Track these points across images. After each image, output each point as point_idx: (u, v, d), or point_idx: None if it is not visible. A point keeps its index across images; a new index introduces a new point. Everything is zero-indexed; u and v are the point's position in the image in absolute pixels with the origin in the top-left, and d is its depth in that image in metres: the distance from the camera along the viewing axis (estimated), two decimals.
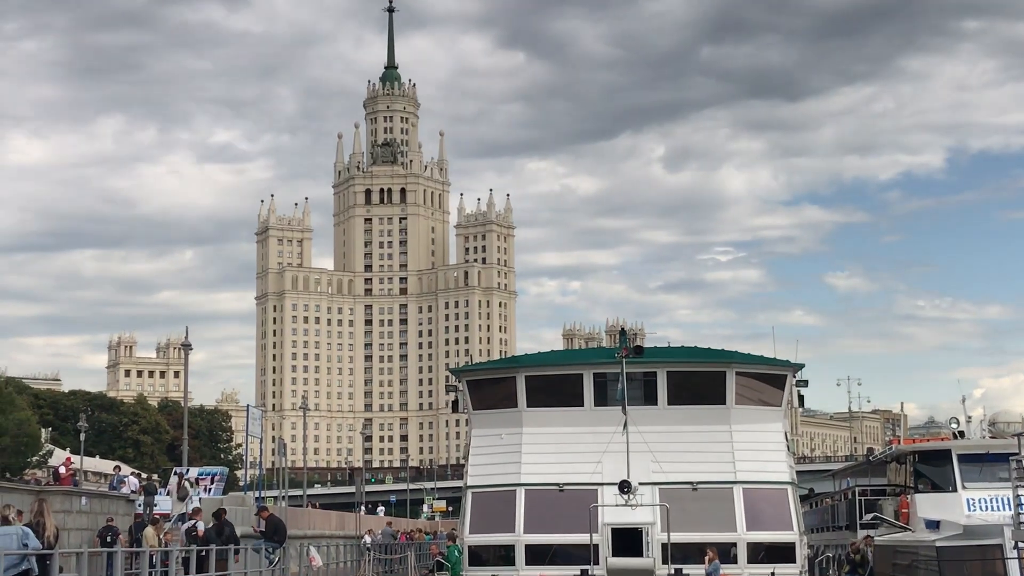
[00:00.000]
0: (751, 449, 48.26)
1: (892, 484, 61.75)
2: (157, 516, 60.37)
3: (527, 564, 46.46)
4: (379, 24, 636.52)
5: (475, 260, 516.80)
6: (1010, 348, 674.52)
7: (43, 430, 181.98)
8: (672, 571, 44.51)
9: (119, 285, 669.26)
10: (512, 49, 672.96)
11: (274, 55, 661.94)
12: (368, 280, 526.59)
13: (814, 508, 73.62)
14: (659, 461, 47.00)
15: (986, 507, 51.76)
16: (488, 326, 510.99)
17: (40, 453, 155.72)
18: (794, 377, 51.63)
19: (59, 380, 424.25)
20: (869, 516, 60.77)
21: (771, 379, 50.78)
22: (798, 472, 52.03)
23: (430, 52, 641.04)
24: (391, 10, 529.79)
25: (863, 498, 63.08)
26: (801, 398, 52.80)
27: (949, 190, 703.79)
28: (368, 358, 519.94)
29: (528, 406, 49.85)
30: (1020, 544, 46.59)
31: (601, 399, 49.24)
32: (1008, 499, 51.89)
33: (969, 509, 51.90)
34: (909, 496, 56.25)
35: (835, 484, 77.46)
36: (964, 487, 53.21)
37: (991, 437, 59.19)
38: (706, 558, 45.83)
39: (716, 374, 49.52)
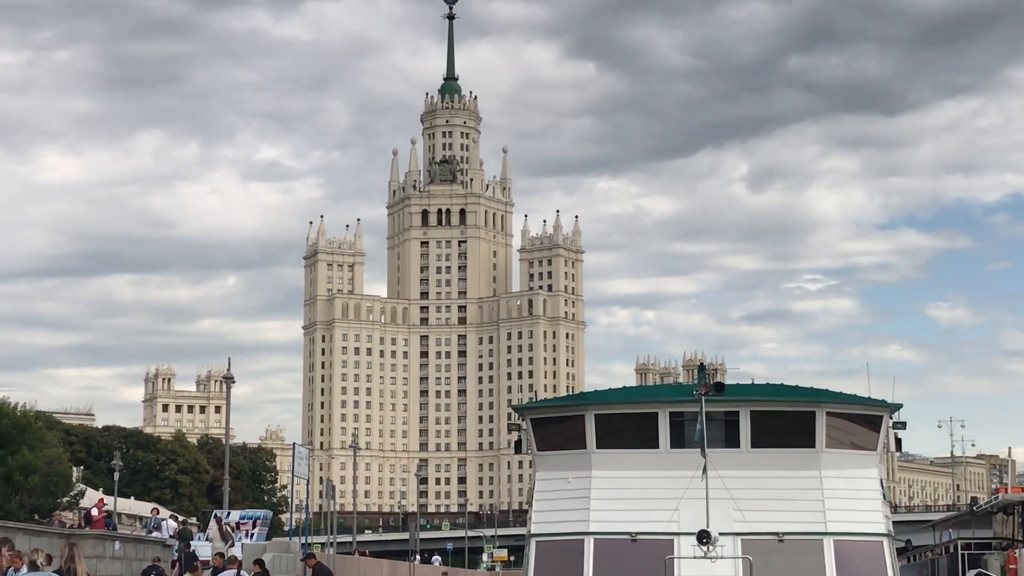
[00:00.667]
0: (843, 497, 47.90)
1: (999, 537, 61.00)
2: (197, 564, 60.64)
3: None
4: (438, 33, 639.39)
5: (540, 287, 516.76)
6: None
7: (75, 468, 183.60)
8: None
9: (157, 313, 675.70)
10: (581, 59, 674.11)
11: (325, 66, 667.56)
12: (424, 308, 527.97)
13: (912, 562, 72.80)
14: (741, 509, 46.75)
15: None
16: (554, 359, 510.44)
17: (71, 493, 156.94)
18: (891, 418, 51.21)
19: (92, 415, 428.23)
20: (973, 573, 60.05)
21: (865, 420, 50.42)
22: (895, 522, 51.50)
23: (492, 62, 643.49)
24: (451, 17, 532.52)
25: (966, 552, 62.35)
26: (898, 441, 52.32)
27: None
28: (424, 393, 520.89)
29: (598, 447, 49.79)
30: None
31: (678, 440, 49.07)
32: None
33: None
34: (1018, 551, 55.54)
35: (935, 536, 76.63)
36: None
37: None
38: None
39: (805, 415, 49.24)
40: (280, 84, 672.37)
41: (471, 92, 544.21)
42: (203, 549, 71.88)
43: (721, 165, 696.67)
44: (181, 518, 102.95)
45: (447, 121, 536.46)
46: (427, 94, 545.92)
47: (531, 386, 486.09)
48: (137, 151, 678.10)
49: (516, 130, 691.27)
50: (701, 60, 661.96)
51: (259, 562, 52.88)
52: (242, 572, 50.12)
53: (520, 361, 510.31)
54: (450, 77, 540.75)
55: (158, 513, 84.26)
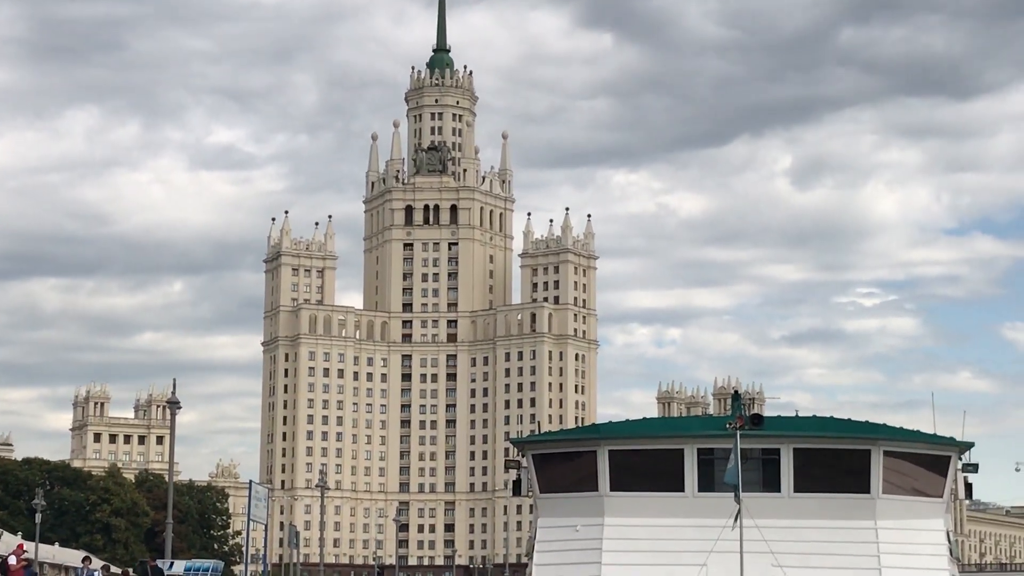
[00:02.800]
0: (903, 552, 48.09)
1: None
2: None
3: None
4: None
5: (545, 299, 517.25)
6: None
7: None
8: None
9: (89, 324, 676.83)
10: (596, 29, 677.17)
11: (291, 34, 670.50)
12: (407, 323, 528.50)
13: None
14: (782, 566, 46.93)
15: None
16: (561, 384, 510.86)
17: None
18: (960, 459, 51.40)
19: (11, 445, 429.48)
20: None
21: (930, 462, 50.62)
22: None
23: (491, 32, 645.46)
24: None
25: None
26: (969, 487, 52.54)
27: None
28: (405, 423, 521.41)
29: (612, 490, 50.01)
30: None
31: (707, 483, 49.27)
32: None
33: None
34: None
35: None
36: None
37: None
38: None
39: (858, 454, 49.43)
40: (238, 55, 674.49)
41: (465, 67, 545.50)
42: None
43: (760, 156, 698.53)
44: (115, 569, 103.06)
45: (436, 101, 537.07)
46: (413, 68, 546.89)
47: (533, 416, 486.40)
48: (67, 132, 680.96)
49: (518, 113, 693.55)
50: (738, 32, 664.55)
51: None
52: None
53: (520, 386, 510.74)
54: (441, 49, 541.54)
55: (90, 563, 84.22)
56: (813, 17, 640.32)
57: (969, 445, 51.54)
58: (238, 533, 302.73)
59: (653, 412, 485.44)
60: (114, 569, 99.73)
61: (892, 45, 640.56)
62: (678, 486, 49.58)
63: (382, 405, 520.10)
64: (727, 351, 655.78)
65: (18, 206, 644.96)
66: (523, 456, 53.49)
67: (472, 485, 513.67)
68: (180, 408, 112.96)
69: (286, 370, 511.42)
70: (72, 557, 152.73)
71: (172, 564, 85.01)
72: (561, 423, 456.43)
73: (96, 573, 77.85)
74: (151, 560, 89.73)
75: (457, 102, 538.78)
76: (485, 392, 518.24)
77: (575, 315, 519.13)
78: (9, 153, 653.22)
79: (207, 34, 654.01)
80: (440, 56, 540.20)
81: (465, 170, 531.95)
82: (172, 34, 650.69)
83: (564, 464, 52.39)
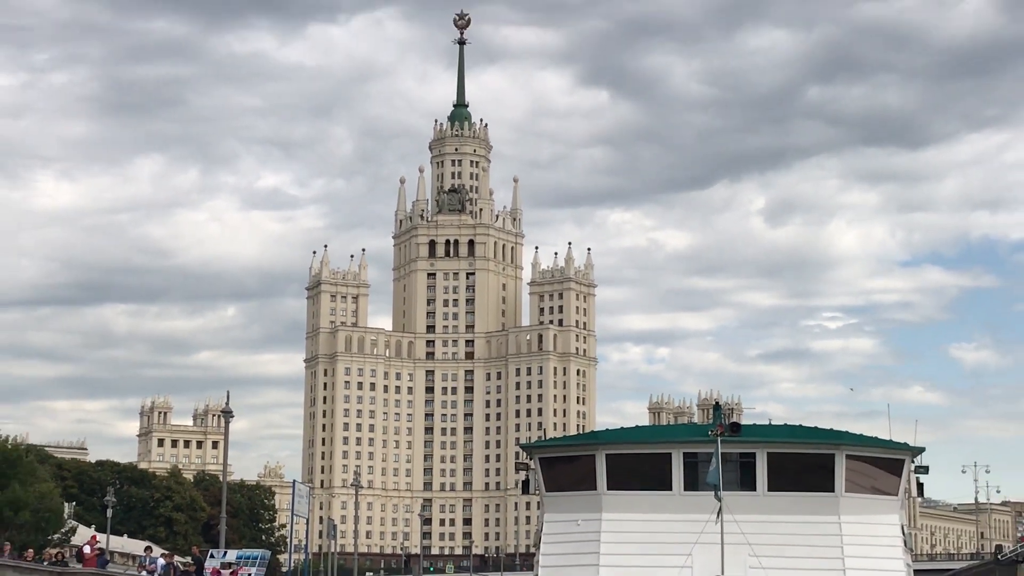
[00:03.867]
0: (863, 544, 47.87)
1: None
2: None
3: None
4: (447, 58, 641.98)
5: (551, 322, 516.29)
6: None
7: (67, 504, 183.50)
8: None
9: (153, 344, 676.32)
10: (595, 87, 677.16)
11: (329, 91, 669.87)
12: (430, 343, 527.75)
13: None
14: (758, 555, 46.70)
15: None
16: (564, 397, 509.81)
17: (63, 530, 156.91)
18: (913, 462, 51.25)
19: (85, 449, 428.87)
20: None
21: (886, 464, 50.45)
22: (916, 571, 51.44)
23: (504, 90, 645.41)
24: (462, 43, 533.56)
25: None
26: (920, 486, 52.38)
27: None
28: (429, 430, 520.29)
29: (609, 489, 49.83)
30: None
31: (692, 482, 49.12)
32: None
33: None
34: None
35: None
36: None
37: None
38: None
39: (823, 457, 49.28)
40: (283, 110, 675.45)
41: (481, 120, 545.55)
42: None
43: (738, 198, 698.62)
44: (179, 558, 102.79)
45: (456, 149, 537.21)
46: (436, 121, 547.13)
47: (540, 424, 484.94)
48: (135, 177, 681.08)
49: (527, 159, 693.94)
50: (718, 90, 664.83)
51: None
52: None
53: (529, 398, 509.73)
54: (460, 104, 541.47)
55: (151, 552, 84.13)
56: (784, 77, 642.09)
57: (920, 450, 51.42)
58: (283, 526, 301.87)
59: (644, 420, 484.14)
60: (179, 558, 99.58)
61: (853, 101, 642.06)
62: (666, 485, 49.45)
63: (408, 414, 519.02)
64: (709, 367, 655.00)
65: (93, 242, 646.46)
66: (531, 459, 53.38)
67: (487, 484, 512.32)
68: (232, 417, 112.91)
69: (325, 384, 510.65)
70: (137, 547, 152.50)
71: (225, 553, 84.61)
72: (564, 430, 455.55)
73: (159, 560, 77.62)
74: (196, 550, 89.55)
75: (474, 150, 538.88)
76: (498, 403, 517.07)
77: (577, 336, 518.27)
78: (86, 196, 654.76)
79: (256, 92, 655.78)
80: (459, 110, 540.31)
81: (481, 209, 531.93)
82: (226, 92, 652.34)
83: (567, 466, 52.28)
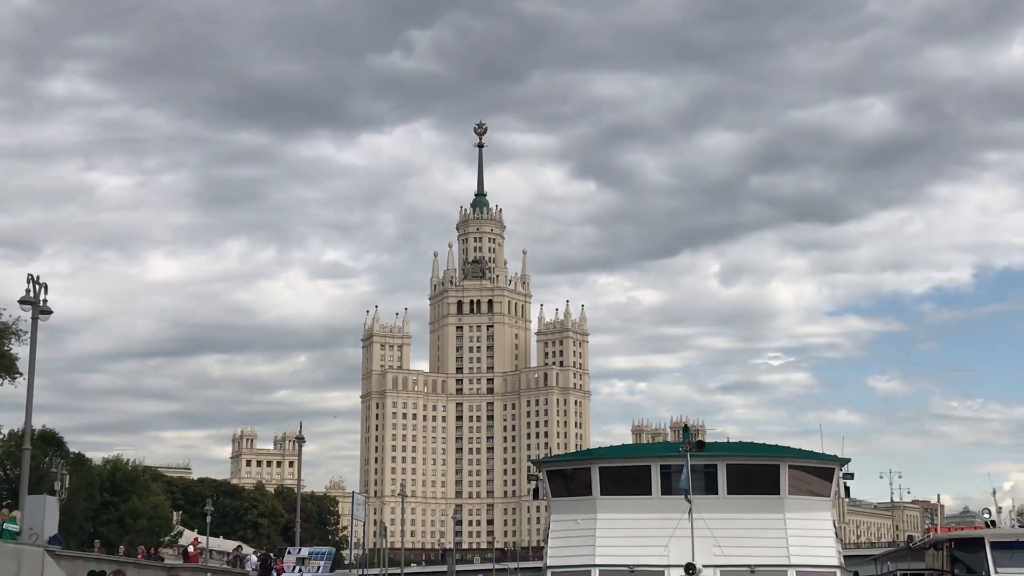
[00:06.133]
0: (803, 535, 47.51)
1: (930, 569, 60.33)
2: None
3: None
4: (469, 158, 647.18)
5: (553, 363, 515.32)
6: None
7: (175, 513, 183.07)
8: None
9: (242, 386, 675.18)
10: (584, 179, 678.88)
11: (377, 185, 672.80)
12: (459, 381, 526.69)
13: None
14: (720, 545, 46.37)
15: None
16: (565, 422, 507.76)
17: (172, 533, 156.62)
18: (841, 470, 50.91)
19: (189, 469, 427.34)
20: None
21: (820, 472, 50.16)
22: (845, 557, 50.95)
23: (514, 181, 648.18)
24: (480, 146, 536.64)
25: None
26: (847, 489, 52.01)
27: (977, 303, 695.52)
28: (459, 450, 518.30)
29: (601, 494, 49.54)
30: None
31: (667, 488, 48.82)
32: None
33: None
34: None
35: (878, 568, 75.86)
36: (996, 572, 51.95)
37: (1020, 526, 58.02)
38: None
39: (771, 467, 48.98)
40: (341, 200, 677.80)
41: (496, 205, 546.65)
42: None
43: (698, 264, 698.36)
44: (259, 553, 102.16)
45: (477, 229, 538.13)
46: (461, 207, 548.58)
47: (546, 444, 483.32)
48: (226, 255, 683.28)
49: (533, 236, 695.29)
50: (680, 179, 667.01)
51: None
52: None
53: (537, 424, 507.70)
54: (480, 193, 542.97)
55: (240, 550, 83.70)
56: (732, 169, 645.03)
57: (847, 460, 51.07)
58: (344, 528, 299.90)
59: (628, 440, 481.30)
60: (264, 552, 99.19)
61: (786, 187, 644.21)
62: (647, 491, 49.14)
63: (443, 438, 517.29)
64: (679, 397, 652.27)
65: (193, 306, 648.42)
66: (540, 472, 53.10)
67: (505, 492, 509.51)
68: (304, 442, 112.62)
69: (376, 414, 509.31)
70: (230, 546, 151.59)
71: (300, 549, 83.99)
72: (565, 448, 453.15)
73: (252, 557, 77.29)
74: (260, 551, 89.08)
75: (491, 229, 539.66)
76: (513, 428, 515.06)
77: (574, 374, 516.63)
78: (188, 270, 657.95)
79: (320, 187, 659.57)
80: (479, 198, 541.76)
81: (498, 276, 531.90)
82: (297, 187, 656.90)
83: (568, 477, 52.00)
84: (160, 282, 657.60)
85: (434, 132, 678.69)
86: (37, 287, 49.48)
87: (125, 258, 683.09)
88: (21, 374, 70.72)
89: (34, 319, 49.28)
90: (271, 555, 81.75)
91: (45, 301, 49.97)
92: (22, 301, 49.33)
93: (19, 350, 70.64)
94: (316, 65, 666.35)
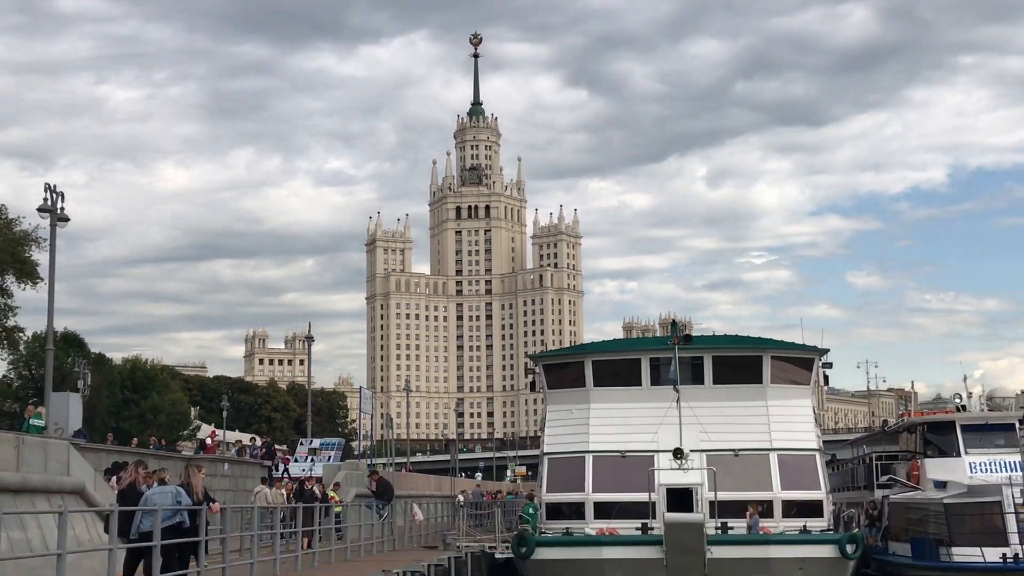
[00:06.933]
0: (784, 421, 47.92)
1: (904, 451, 61.00)
2: (276, 478, 61.08)
3: (595, 518, 46.43)
4: (465, 68, 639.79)
5: (548, 265, 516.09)
6: (1006, 335, 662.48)
7: (192, 409, 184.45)
8: (719, 525, 44.21)
9: (252, 289, 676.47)
10: (576, 87, 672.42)
11: (377, 95, 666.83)
12: (459, 283, 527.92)
13: (837, 471, 72.86)
14: (706, 431, 46.78)
15: (985, 470, 51.10)
16: (559, 320, 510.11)
17: (190, 428, 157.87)
18: (820, 360, 51.19)
19: (205, 368, 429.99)
20: (885, 478, 60.05)
21: (800, 362, 50.43)
22: (824, 441, 51.49)
23: (508, 90, 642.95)
24: (476, 56, 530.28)
25: (879, 463, 62.37)
26: (826, 378, 52.35)
27: (951, 201, 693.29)
28: (460, 348, 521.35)
29: (595, 386, 49.88)
30: (1017, 501, 45.87)
31: (656, 380, 49.13)
32: (1004, 462, 51.09)
33: (971, 472, 51.29)
34: (919, 461, 55.58)
35: (854, 451, 76.67)
36: (967, 453, 52.63)
37: (989, 410, 58.58)
38: (747, 514, 45.52)
39: (754, 358, 49.23)
40: (342, 111, 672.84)
41: (492, 114, 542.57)
42: (293, 467, 72.27)
43: (685, 168, 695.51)
44: (277, 446, 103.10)
45: (474, 137, 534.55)
46: (458, 116, 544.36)
47: (542, 341, 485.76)
48: (233, 164, 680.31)
49: (527, 143, 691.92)
50: (668, 87, 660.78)
51: (375, 472, 53.56)
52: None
53: (534, 322, 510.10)
54: (476, 103, 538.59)
55: (255, 442, 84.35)
56: (717, 76, 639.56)
57: (826, 351, 51.33)
58: (353, 421, 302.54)
59: (619, 336, 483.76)
60: (277, 446, 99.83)
61: (769, 93, 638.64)
62: (637, 382, 49.44)
63: (444, 336, 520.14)
64: (666, 296, 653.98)
65: (203, 213, 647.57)
66: (537, 366, 53.38)
67: (504, 386, 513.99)
68: (314, 341, 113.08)
69: (381, 315, 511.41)
70: (245, 439, 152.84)
71: (312, 440, 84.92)
72: (560, 345, 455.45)
73: (259, 441, 78.15)
74: (265, 438, 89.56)
75: (487, 137, 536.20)
76: (511, 326, 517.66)
77: (568, 275, 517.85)
78: (197, 179, 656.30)
79: (322, 98, 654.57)
80: (476, 107, 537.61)
81: (494, 182, 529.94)
82: (299, 98, 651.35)
83: (563, 370, 52.29)
84: (171, 191, 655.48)
85: (431, 43, 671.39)
86: (54, 196, 49.22)
87: (137, 168, 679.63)
88: (42, 279, 70.67)
89: (52, 226, 49.13)
90: (272, 443, 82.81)
91: (62, 209, 49.71)
92: (40, 209, 49.12)
93: (39, 256, 70.49)
94: None
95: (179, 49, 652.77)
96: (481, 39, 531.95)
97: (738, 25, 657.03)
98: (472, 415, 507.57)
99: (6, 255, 68.72)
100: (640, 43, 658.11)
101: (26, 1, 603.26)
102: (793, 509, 45.54)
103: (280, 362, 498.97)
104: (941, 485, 51.22)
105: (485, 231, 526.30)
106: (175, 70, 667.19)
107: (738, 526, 44.30)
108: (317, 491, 48.31)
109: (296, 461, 75.47)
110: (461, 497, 77.72)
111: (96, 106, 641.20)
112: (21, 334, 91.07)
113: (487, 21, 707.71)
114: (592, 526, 45.66)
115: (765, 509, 45.28)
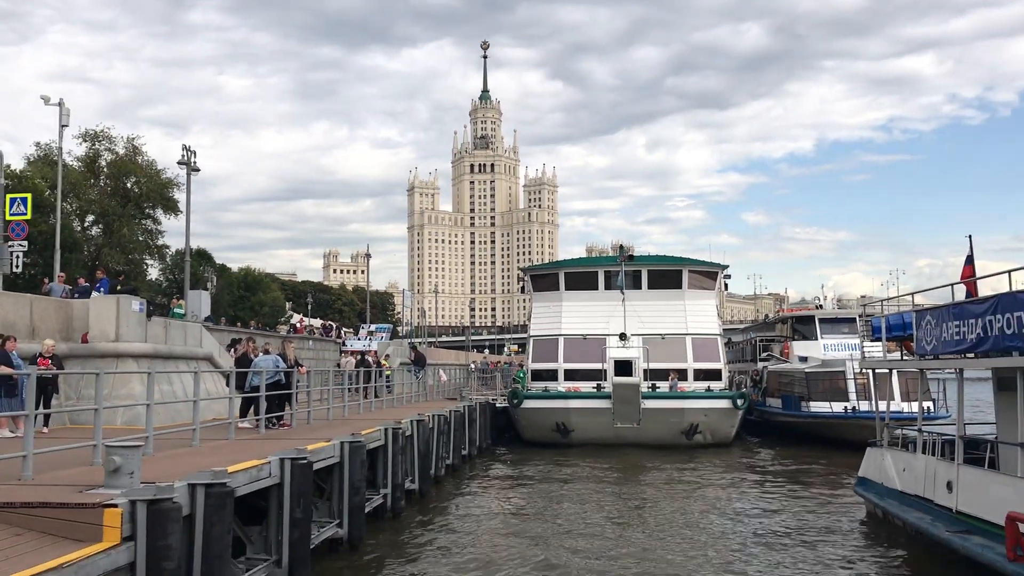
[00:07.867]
0: (696, 314, 48.08)
1: (779, 336, 61.28)
2: (348, 351, 61.20)
3: (565, 380, 46.81)
4: (477, 66, 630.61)
5: (535, 206, 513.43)
6: (851, 257, 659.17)
7: (287, 303, 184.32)
8: (650, 386, 44.63)
9: (327, 220, 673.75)
10: (555, 80, 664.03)
11: (414, 85, 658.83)
12: (472, 218, 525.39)
13: (732, 349, 73.38)
14: (642, 321, 46.95)
15: (834, 349, 51.43)
16: (542, 245, 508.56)
17: (285, 316, 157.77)
18: (722, 274, 51.22)
19: (295, 275, 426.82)
20: (765, 354, 60.43)
21: (708, 275, 50.46)
22: (723, 329, 51.69)
23: (507, 82, 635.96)
24: (485, 57, 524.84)
25: (761, 343, 62.72)
26: (726, 285, 52.48)
27: (815, 163, 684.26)
28: (472, 263, 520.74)
29: (565, 290, 49.94)
30: (855, 370, 46.23)
31: (608, 286, 49.22)
32: (847, 344, 51.42)
33: (824, 351, 51.57)
34: (789, 342, 55.86)
35: (744, 336, 77.02)
36: (822, 337, 52.91)
37: (838, 308, 58.73)
38: (669, 378, 45.77)
39: (676, 272, 49.28)
40: (390, 96, 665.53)
41: (496, 99, 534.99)
42: (356, 344, 72.57)
43: (630, 139, 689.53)
44: (344, 328, 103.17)
45: (483, 115, 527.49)
46: (472, 100, 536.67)
47: (530, 259, 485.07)
48: (314, 133, 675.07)
49: (520, 120, 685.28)
50: (620, 80, 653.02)
51: (414, 347, 53.47)
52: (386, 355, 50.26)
53: (524, 246, 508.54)
54: (485, 91, 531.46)
55: (332, 330, 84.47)
56: (654, 73, 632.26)
57: (726, 267, 51.33)
58: (398, 312, 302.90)
59: (583, 256, 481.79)
60: (345, 329, 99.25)
61: (691, 85, 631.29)
62: (595, 287, 49.51)
63: (462, 255, 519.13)
64: (617, 228, 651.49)
65: (294, 167, 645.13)
66: (526, 276, 53.40)
67: (503, 290, 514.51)
68: (370, 256, 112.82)
69: (418, 240, 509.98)
70: (319, 324, 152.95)
71: (369, 325, 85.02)
72: (542, 261, 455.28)
73: (318, 323, 78.01)
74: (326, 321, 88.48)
75: (493, 115, 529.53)
76: (508, 248, 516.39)
77: (548, 213, 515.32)
78: (290, 143, 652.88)
79: (376, 87, 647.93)
80: (485, 94, 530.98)
81: (497, 147, 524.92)
82: (360, 87, 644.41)
83: (544, 279, 52.31)
84: (271, 151, 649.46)
85: (453, 48, 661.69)
86: (189, 153, 48.65)
87: (247, 135, 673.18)
88: (181, 211, 70.38)
89: (188, 175, 48.63)
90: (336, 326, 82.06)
91: (195, 162, 49.13)
92: (179, 163, 48.53)
93: (179, 196, 70.14)
94: (372, 1, 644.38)
95: (276, 50, 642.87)
96: (489, 45, 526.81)
97: (670, 37, 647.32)
98: (481, 309, 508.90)
99: (156, 195, 68.63)
100: (601, 49, 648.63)
101: (167, 15, 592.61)
102: (701, 375, 45.95)
103: (348, 271, 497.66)
104: (803, 359, 51.63)
105: (491, 182, 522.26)
106: (273, 65, 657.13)
107: (663, 387, 44.71)
108: (370, 360, 48.60)
109: (359, 340, 75.75)
110: (473, 365, 78.14)
111: (217, 90, 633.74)
112: (167, 250, 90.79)
113: (494, 32, 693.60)
114: (563, 385, 46.13)
115: (682, 375, 45.69)
